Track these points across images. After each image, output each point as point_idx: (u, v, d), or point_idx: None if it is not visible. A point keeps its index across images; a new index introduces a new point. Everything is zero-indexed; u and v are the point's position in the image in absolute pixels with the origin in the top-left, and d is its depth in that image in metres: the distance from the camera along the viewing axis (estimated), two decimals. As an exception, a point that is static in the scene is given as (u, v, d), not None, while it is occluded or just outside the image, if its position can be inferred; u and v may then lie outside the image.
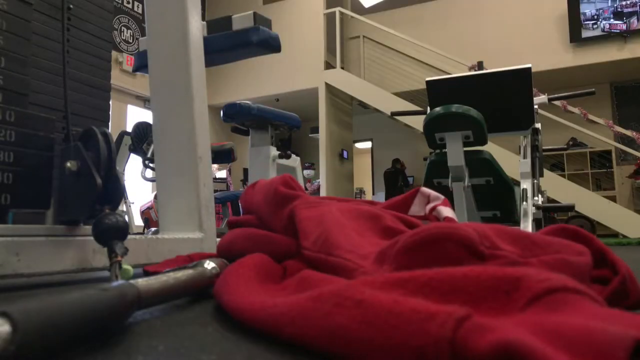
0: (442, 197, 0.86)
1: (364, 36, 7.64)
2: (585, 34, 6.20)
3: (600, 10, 6.20)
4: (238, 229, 0.76)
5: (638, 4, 6.02)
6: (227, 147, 3.10)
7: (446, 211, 0.82)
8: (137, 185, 5.17)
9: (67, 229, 0.80)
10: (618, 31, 6.05)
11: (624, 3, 6.08)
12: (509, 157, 5.26)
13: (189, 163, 1.11)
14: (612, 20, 6.11)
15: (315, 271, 0.48)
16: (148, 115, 5.81)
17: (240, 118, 2.46)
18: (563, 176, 6.32)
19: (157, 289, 0.46)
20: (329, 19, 7.38)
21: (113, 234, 0.70)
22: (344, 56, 7.36)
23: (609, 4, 6.16)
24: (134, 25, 6.95)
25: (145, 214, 4.59)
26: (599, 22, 6.16)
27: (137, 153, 3.06)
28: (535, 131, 2.13)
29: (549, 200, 4.35)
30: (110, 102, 1.22)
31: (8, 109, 0.81)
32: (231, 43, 1.73)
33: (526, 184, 1.97)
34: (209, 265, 0.59)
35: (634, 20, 6.00)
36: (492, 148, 5.06)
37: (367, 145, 9.77)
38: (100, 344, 0.36)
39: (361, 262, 0.50)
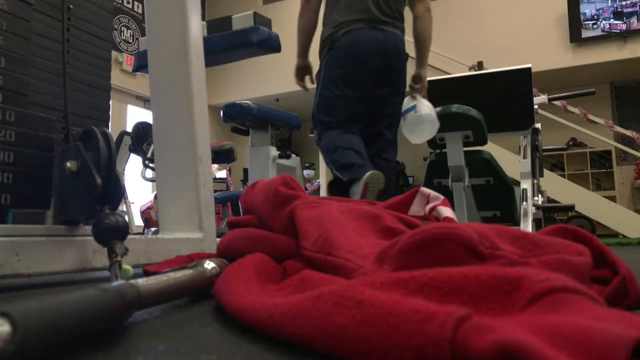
0: (442, 197, 0.86)
1: (364, 36, 7.63)
2: (585, 34, 6.20)
3: (600, 10, 6.20)
4: (238, 229, 0.76)
5: (638, 4, 6.02)
6: (227, 147, 3.10)
7: (446, 211, 0.82)
8: (137, 185, 5.17)
9: (67, 229, 0.80)
10: (618, 31, 6.05)
11: (624, 3, 6.08)
12: (509, 157, 5.26)
13: (189, 163, 1.11)
14: (612, 20, 6.11)
15: (315, 271, 0.48)
16: (148, 115, 5.81)
17: (240, 118, 2.46)
18: (563, 176, 6.32)
19: (157, 289, 0.46)
20: (329, 19, 7.37)
21: (113, 234, 0.70)
22: (344, 56, 7.35)
23: (609, 4, 6.16)
24: (134, 25, 6.95)
25: (145, 214, 4.59)
26: (599, 22, 6.16)
27: (137, 153, 3.06)
28: (535, 131, 2.14)
29: (549, 200, 4.35)
30: (110, 102, 1.22)
31: (8, 109, 0.81)
32: (231, 43, 1.73)
33: (526, 184, 1.98)
34: (209, 265, 0.59)
35: (634, 20, 6.00)
36: (492, 148, 5.05)
37: (367, 145, 9.78)
38: (100, 344, 0.36)
39: (361, 262, 0.50)
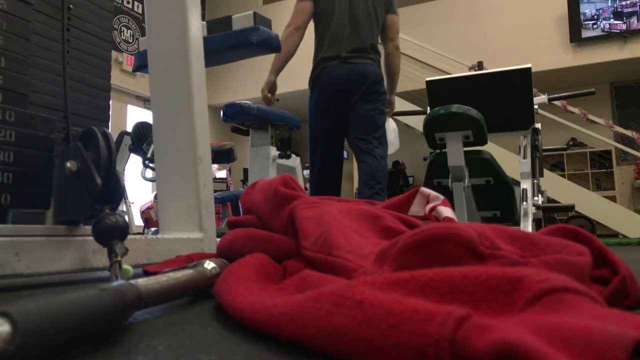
0: (442, 197, 0.86)
1: (364, 36, 7.63)
2: (585, 34, 6.20)
3: (600, 10, 6.20)
4: (238, 229, 0.76)
5: (638, 4, 6.02)
6: (227, 147, 3.10)
7: (446, 211, 0.82)
8: (137, 185, 5.17)
9: (67, 229, 0.80)
10: (618, 31, 6.05)
11: (624, 3, 6.08)
12: (509, 157, 5.26)
13: (188, 163, 1.11)
14: (612, 20, 6.11)
15: (315, 271, 0.48)
16: (148, 115, 5.81)
17: (240, 118, 2.46)
18: (563, 176, 6.32)
19: (157, 289, 0.46)
20: (329, 19, 7.37)
21: (113, 234, 0.70)
22: (344, 56, 7.35)
23: (609, 4, 6.16)
24: (134, 25, 6.95)
25: (145, 214, 4.59)
26: (599, 22, 6.16)
27: (137, 153, 3.06)
28: (535, 131, 2.14)
29: (549, 200, 4.35)
30: (110, 102, 1.22)
31: (8, 109, 0.81)
32: (231, 43, 1.73)
33: (526, 184, 1.98)
34: (209, 265, 0.59)
35: (634, 20, 6.00)
36: (492, 148, 5.05)
37: (367, 145, 9.77)
38: (100, 344, 0.36)
39: (361, 262, 0.50)
